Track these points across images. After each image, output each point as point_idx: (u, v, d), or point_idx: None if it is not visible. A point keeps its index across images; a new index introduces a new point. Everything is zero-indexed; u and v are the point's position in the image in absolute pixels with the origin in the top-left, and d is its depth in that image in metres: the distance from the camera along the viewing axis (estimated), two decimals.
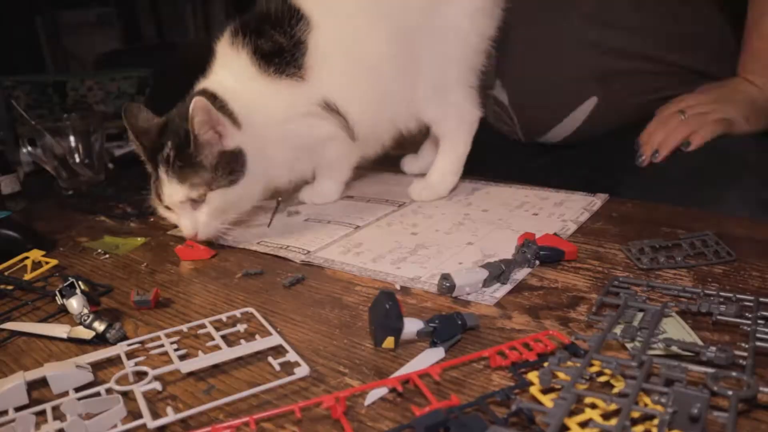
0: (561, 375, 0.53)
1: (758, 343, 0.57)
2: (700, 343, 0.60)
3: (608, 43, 1.17)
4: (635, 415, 0.48)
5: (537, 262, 0.81)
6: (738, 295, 0.67)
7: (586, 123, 1.25)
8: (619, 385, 0.53)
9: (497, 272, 0.76)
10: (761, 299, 0.66)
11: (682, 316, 0.65)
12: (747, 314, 0.63)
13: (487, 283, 0.76)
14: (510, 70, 1.27)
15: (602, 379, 0.56)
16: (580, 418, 0.50)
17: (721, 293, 0.68)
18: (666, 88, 1.20)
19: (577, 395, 0.49)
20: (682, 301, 0.68)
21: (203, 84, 0.99)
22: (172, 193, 0.91)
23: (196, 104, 0.85)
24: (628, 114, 1.21)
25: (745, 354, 0.55)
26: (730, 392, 0.48)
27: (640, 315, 0.64)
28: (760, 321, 0.61)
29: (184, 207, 0.91)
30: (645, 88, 1.21)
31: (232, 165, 0.91)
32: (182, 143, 0.89)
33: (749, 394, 0.49)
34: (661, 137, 1.11)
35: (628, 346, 0.60)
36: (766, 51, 1.14)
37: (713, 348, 0.55)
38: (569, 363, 0.55)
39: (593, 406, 0.51)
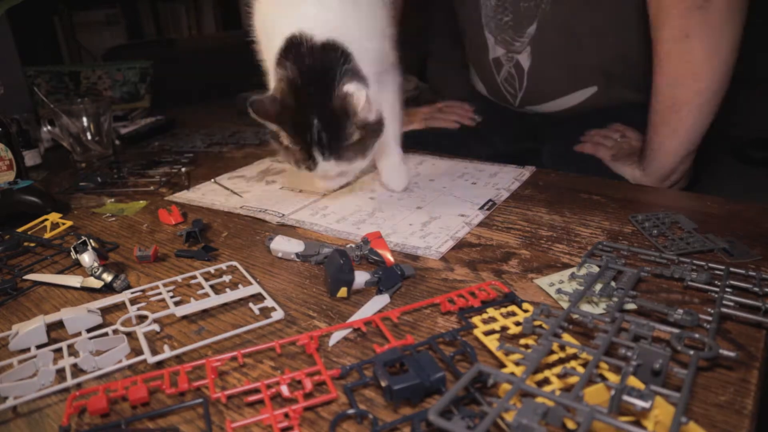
0: (509, 324, 0.52)
1: (723, 309, 0.53)
2: None
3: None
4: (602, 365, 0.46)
5: (360, 261, 0.72)
6: (710, 264, 0.62)
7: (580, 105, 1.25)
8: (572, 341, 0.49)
9: (311, 252, 0.71)
10: (731, 269, 0.60)
11: (656, 279, 0.62)
12: (716, 282, 0.58)
13: (299, 256, 0.72)
14: (540, 40, 1.21)
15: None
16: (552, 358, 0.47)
17: (695, 262, 0.63)
18: None
19: (552, 343, 0.46)
20: (657, 267, 0.63)
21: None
22: (327, 169, 0.76)
23: (360, 98, 0.71)
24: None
25: (710, 318, 0.51)
26: (691, 352, 0.45)
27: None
28: (727, 289, 0.57)
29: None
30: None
31: (375, 129, 0.78)
32: (333, 125, 0.74)
33: (710, 355, 0.46)
34: (593, 146, 1.15)
35: (604, 303, 0.57)
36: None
37: (680, 311, 0.52)
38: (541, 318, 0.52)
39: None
